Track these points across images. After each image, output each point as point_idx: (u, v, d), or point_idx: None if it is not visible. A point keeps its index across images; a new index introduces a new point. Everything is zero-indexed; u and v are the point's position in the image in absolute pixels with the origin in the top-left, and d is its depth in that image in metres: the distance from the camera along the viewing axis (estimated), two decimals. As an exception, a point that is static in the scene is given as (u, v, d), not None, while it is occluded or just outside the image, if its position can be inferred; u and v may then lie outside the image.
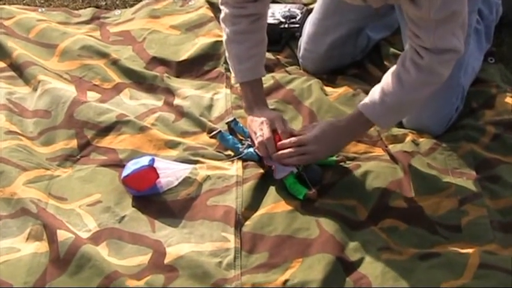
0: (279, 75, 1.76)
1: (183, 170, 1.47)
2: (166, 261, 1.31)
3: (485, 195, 1.45)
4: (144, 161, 1.44)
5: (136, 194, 1.43)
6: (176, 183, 1.45)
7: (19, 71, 1.76)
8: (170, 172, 1.46)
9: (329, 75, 1.78)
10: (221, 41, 1.82)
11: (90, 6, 2.05)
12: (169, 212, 1.41)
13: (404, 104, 1.43)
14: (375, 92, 1.43)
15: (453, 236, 1.37)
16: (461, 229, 1.38)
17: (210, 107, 1.68)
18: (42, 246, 1.33)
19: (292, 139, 1.45)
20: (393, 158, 1.52)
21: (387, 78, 1.42)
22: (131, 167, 1.43)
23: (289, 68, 1.80)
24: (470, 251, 1.33)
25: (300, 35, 1.82)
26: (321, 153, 1.46)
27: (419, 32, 1.34)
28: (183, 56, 1.83)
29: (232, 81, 1.71)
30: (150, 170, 1.43)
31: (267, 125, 1.47)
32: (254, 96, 1.54)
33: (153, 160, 1.44)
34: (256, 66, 1.54)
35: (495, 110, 1.65)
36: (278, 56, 1.83)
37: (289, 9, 1.90)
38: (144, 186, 1.43)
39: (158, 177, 1.44)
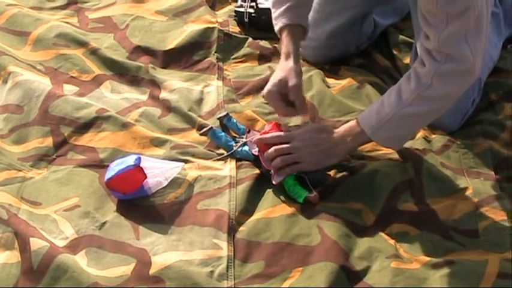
0: (276, 65, 1.71)
1: (173, 169, 1.47)
2: (151, 271, 1.31)
3: (505, 197, 1.45)
4: (129, 160, 1.43)
5: (122, 197, 1.43)
6: (165, 183, 1.45)
7: (-14, 61, 1.75)
8: (158, 171, 1.45)
9: (331, 65, 1.78)
10: (212, 28, 1.84)
11: (66, -11, 2.05)
12: (155, 217, 1.41)
13: (400, 118, 1.41)
14: (376, 102, 1.44)
15: (470, 243, 1.37)
16: (479, 235, 1.38)
17: (200, 101, 1.68)
18: (13, 256, 1.32)
19: (277, 133, 1.46)
20: (403, 156, 1.52)
21: (391, 89, 1.43)
22: (115, 168, 1.43)
23: (287, 58, 1.80)
24: (488, 258, 1.33)
25: (300, 21, 1.82)
26: (309, 157, 1.45)
27: (429, 30, 1.35)
28: (170, 45, 1.83)
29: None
30: (137, 170, 1.43)
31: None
32: (284, 47, 1.51)
33: (139, 159, 1.44)
34: (288, 10, 1.50)
35: (516, 102, 1.66)
36: (275, 45, 1.81)
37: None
38: (130, 188, 1.43)
39: (146, 177, 1.44)
